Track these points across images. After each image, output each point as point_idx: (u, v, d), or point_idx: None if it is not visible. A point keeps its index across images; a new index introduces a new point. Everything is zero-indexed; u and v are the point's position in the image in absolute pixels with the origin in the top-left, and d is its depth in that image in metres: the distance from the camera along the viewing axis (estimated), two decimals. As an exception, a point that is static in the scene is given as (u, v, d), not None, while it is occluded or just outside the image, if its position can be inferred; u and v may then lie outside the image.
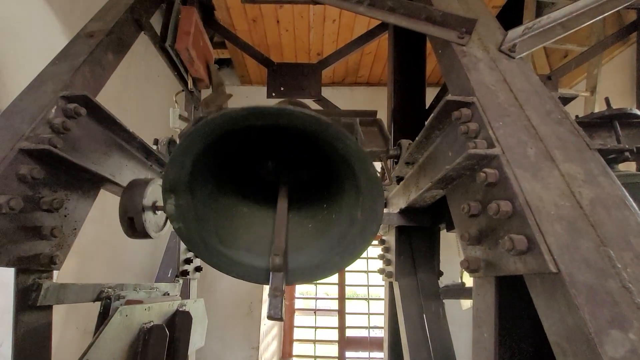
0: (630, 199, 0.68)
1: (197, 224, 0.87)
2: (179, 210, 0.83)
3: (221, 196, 0.96)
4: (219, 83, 1.82)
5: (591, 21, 1.12)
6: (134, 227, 0.98)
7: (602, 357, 0.49)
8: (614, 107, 1.42)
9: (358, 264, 4.77)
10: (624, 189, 0.70)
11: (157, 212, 1.06)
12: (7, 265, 0.83)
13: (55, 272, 2.38)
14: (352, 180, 0.87)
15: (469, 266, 0.84)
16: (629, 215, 0.65)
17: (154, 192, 1.03)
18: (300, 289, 4.90)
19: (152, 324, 1.16)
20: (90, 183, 1.10)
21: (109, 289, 1.19)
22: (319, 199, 1.07)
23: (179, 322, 1.38)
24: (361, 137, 1.56)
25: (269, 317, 0.76)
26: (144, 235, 1.01)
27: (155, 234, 1.06)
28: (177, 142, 1.56)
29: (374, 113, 1.52)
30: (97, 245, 2.85)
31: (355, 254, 0.93)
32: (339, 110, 1.55)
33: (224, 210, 0.97)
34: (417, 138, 1.19)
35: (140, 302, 1.18)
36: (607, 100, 1.40)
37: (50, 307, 0.96)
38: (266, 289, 4.12)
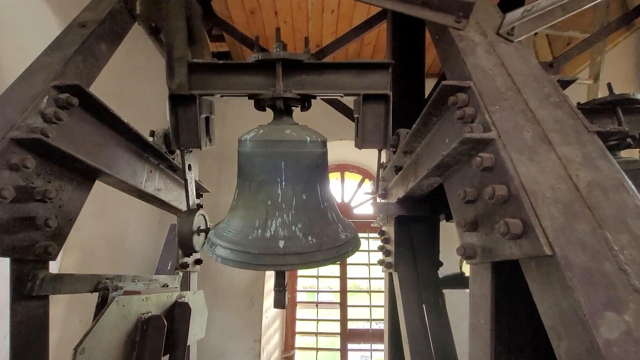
0: (629, 182, 0.67)
1: None
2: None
3: None
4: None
5: (592, 3, 1.09)
6: (187, 246, 1.36)
7: (597, 339, 0.48)
8: (617, 93, 1.40)
9: (359, 257, 4.78)
10: (622, 171, 0.68)
11: (200, 234, 1.41)
12: (1, 255, 0.83)
13: (57, 265, 2.39)
14: None
15: (465, 253, 0.83)
16: (627, 197, 0.64)
17: (197, 221, 1.38)
18: (303, 283, 4.92)
19: (150, 314, 1.17)
20: (84, 174, 1.09)
21: (107, 280, 1.19)
22: None
23: (178, 313, 1.38)
24: (361, 129, 1.50)
25: (275, 306, 1.05)
26: (192, 250, 1.38)
27: (199, 248, 1.41)
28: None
29: (388, 65, 1.22)
30: (98, 239, 2.87)
31: (342, 257, 1.16)
32: (341, 63, 1.25)
33: None
34: (414, 126, 1.17)
35: (138, 292, 1.19)
36: (609, 85, 1.37)
37: (46, 297, 0.96)
38: (268, 282, 4.14)
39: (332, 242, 1.11)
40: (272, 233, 1.04)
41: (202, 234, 1.44)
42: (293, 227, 1.06)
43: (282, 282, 1.06)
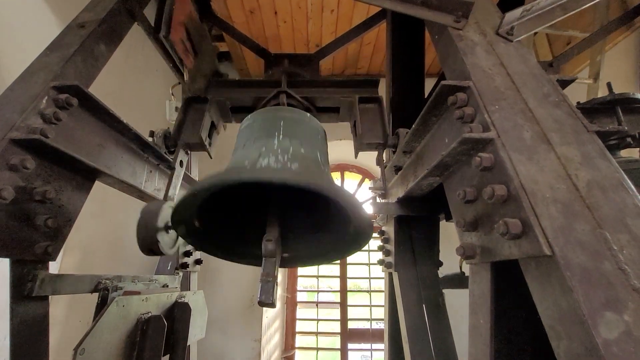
0: (629, 181, 0.67)
1: (207, 236, 1.00)
2: (190, 232, 0.95)
3: (226, 215, 1.06)
4: (202, 36, 1.47)
5: (592, 3, 1.09)
6: (151, 249, 1.07)
7: (596, 338, 0.48)
8: (617, 93, 1.39)
9: (359, 257, 4.78)
10: (622, 171, 0.68)
11: (169, 231, 1.14)
12: (1, 255, 0.83)
13: (57, 266, 2.39)
14: (344, 211, 0.93)
15: (465, 252, 0.83)
16: (627, 197, 0.64)
17: (165, 215, 1.11)
18: (303, 283, 4.92)
19: (150, 314, 1.17)
20: (84, 174, 1.09)
21: (107, 280, 1.19)
22: (316, 206, 1.11)
23: (178, 313, 1.38)
24: (359, 129, 1.52)
25: (260, 303, 0.77)
26: (160, 254, 1.10)
27: (169, 250, 1.14)
28: (173, 137, 1.48)
29: (376, 82, 1.45)
30: (98, 240, 2.87)
31: (346, 254, 1.04)
32: (338, 80, 1.47)
33: (230, 222, 1.08)
34: (413, 125, 1.17)
35: (137, 293, 1.19)
36: (609, 85, 1.37)
37: (46, 298, 0.96)
38: (268, 282, 4.14)
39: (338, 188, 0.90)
40: (263, 166, 0.85)
41: (173, 233, 1.17)
42: (289, 164, 0.87)
43: (271, 270, 0.80)
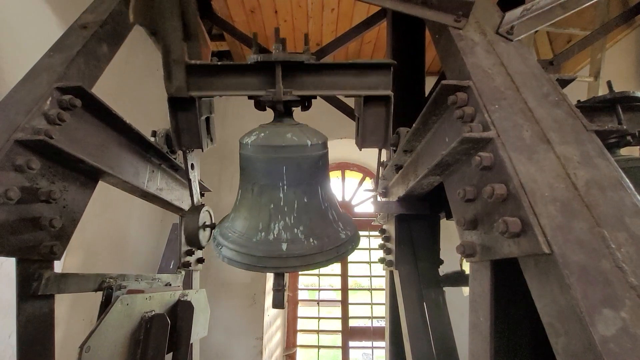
0: (627, 180, 0.67)
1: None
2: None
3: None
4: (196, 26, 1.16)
5: (591, 1, 1.09)
6: (194, 242, 1.46)
7: (594, 335, 0.49)
8: (617, 91, 1.40)
9: (360, 255, 4.79)
10: (620, 170, 0.69)
11: (205, 229, 1.50)
12: (7, 255, 0.84)
13: (60, 265, 2.41)
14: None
15: (465, 251, 0.84)
16: (625, 195, 0.64)
17: (202, 216, 1.48)
18: (304, 281, 4.94)
19: (153, 313, 1.18)
20: (88, 174, 1.10)
21: (111, 279, 1.20)
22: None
23: (181, 312, 1.39)
24: (362, 127, 1.50)
25: (274, 306, 1.04)
26: (199, 245, 1.50)
27: (205, 243, 1.51)
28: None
29: (389, 65, 1.19)
30: (101, 239, 2.88)
31: (342, 256, 1.20)
32: (349, 62, 1.20)
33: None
34: (414, 125, 1.18)
35: (141, 291, 1.20)
36: (609, 83, 1.37)
37: (52, 296, 0.97)
38: (269, 280, 4.17)
39: (333, 242, 1.14)
40: (275, 236, 1.09)
41: (208, 229, 1.52)
42: (295, 230, 1.10)
43: (281, 282, 1.09)
